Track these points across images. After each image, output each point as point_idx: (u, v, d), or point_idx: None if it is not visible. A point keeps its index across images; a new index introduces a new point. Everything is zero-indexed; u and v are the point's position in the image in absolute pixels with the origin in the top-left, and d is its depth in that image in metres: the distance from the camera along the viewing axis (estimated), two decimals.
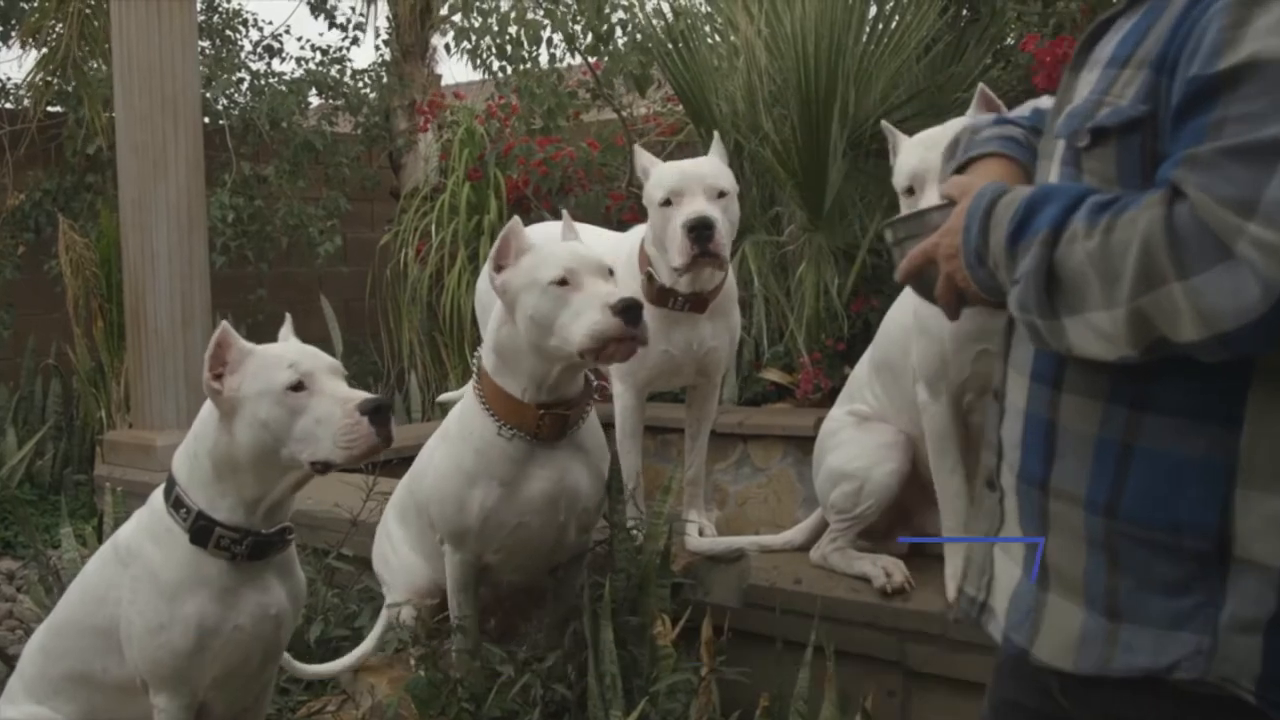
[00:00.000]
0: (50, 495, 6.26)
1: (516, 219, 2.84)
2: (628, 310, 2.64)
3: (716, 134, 3.50)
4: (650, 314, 3.31)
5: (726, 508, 5.17)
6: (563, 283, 2.70)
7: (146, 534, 2.57)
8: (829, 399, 4.73)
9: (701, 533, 3.51)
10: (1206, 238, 1.21)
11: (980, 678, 2.77)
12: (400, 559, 3.30)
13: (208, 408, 2.53)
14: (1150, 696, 1.39)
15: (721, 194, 3.24)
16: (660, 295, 3.35)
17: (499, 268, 2.81)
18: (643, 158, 3.45)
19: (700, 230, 3.14)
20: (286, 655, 3.16)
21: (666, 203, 3.24)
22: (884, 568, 2.97)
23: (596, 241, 3.58)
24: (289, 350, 2.50)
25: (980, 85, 2.77)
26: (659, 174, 3.31)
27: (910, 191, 2.61)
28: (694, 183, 3.23)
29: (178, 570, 2.50)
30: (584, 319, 2.66)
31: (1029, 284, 1.37)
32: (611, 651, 2.79)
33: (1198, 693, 1.36)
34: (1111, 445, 1.40)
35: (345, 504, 3.83)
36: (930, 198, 2.50)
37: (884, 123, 2.82)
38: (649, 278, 3.35)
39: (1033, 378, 1.51)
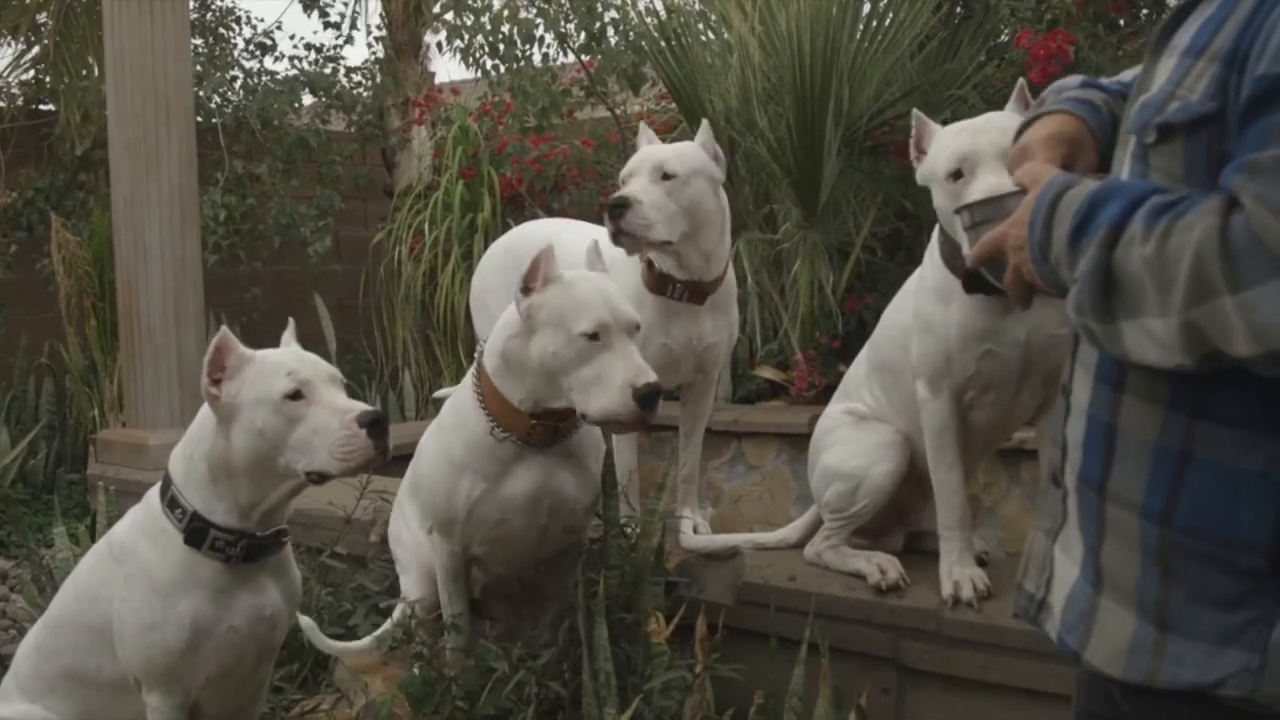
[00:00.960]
0: (43, 494, 6.25)
1: (551, 246, 2.77)
2: (647, 399, 2.60)
3: (705, 121, 3.49)
4: (650, 306, 3.31)
5: (721, 505, 5.16)
6: (594, 337, 2.64)
7: (141, 532, 2.56)
8: (823, 396, 4.73)
9: (696, 530, 3.50)
10: (1261, 251, 1.16)
11: (974, 674, 2.78)
12: (412, 535, 3.29)
13: (205, 411, 2.52)
14: (1198, 710, 1.36)
15: (666, 175, 3.23)
16: (659, 283, 3.35)
17: (526, 289, 2.74)
18: (642, 136, 3.48)
19: (612, 209, 3.17)
20: (312, 625, 3.21)
21: (622, 183, 3.31)
22: (878, 565, 2.97)
23: (587, 240, 3.58)
24: (288, 358, 2.50)
25: (1020, 81, 2.76)
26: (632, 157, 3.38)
27: (958, 175, 2.58)
28: (643, 164, 3.27)
29: (172, 570, 2.49)
30: (602, 390, 2.62)
31: (1085, 286, 1.32)
32: (606, 649, 2.78)
33: (1245, 710, 1.32)
34: (1169, 453, 1.36)
35: (339, 502, 3.82)
36: (982, 180, 2.50)
37: (915, 111, 2.80)
38: (649, 265, 3.36)
39: (1097, 377, 1.47)
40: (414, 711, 2.89)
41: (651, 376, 2.63)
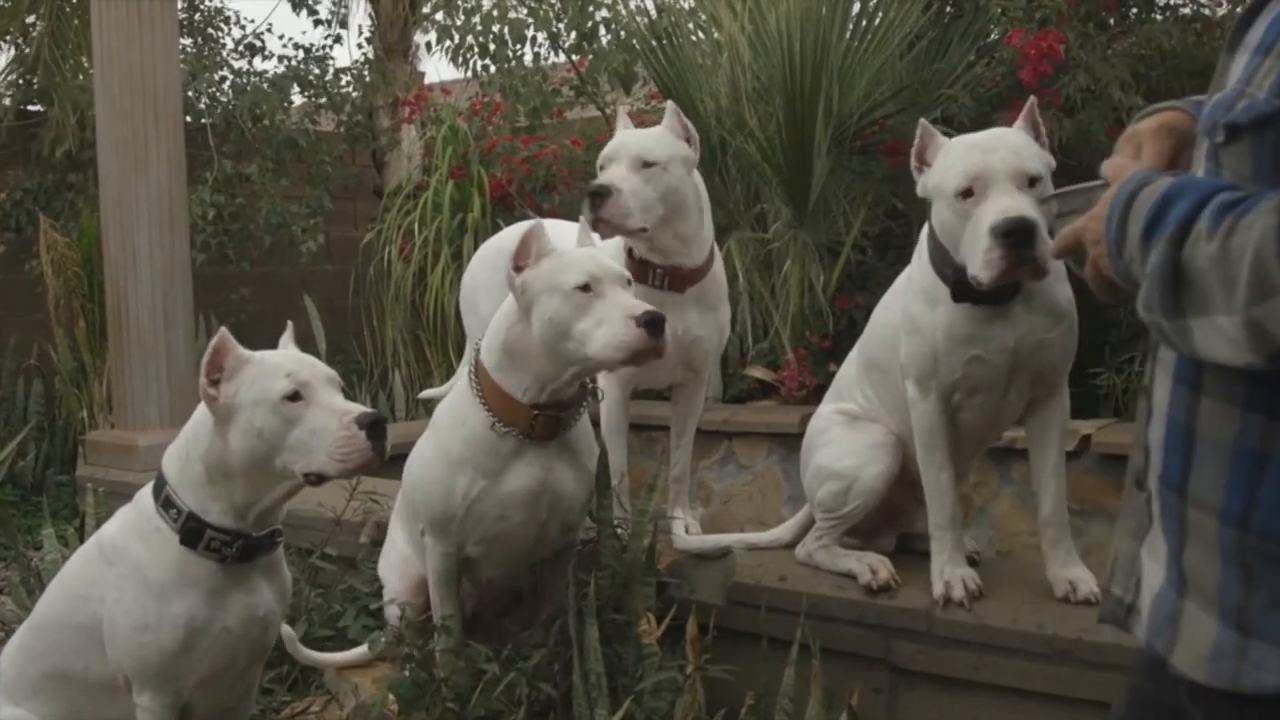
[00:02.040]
0: (32, 496, 6.23)
1: (539, 221, 2.84)
2: (651, 323, 2.65)
3: (670, 103, 3.50)
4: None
5: (711, 505, 5.16)
6: (585, 289, 2.69)
7: (134, 532, 2.55)
8: (814, 396, 4.73)
9: (688, 530, 3.50)
10: None
11: (965, 674, 2.78)
12: (397, 553, 3.30)
13: (202, 411, 2.52)
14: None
15: (646, 163, 3.26)
16: (639, 270, 3.35)
17: (518, 268, 2.79)
18: (620, 122, 3.52)
19: (593, 197, 3.20)
20: (292, 635, 3.21)
21: (599, 170, 3.34)
22: (869, 565, 2.96)
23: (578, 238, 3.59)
24: (287, 359, 2.50)
25: (1030, 99, 2.75)
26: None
27: (968, 193, 2.54)
28: (621, 151, 3.30)
29: (166, 570, 2.49)
30: (606, 329, 2.66)
31: (1154, 283, 1.32)
32: (596, 650, 2.78)
33: None
34: (1247, 455, 1.34)
35: (329, 504, 3.81)
36: (995, 201, 2.48)
37: (922, 122, 2.77)
38: (629, 253, 3.37)
39: (1175, 379, 1.45)
40: (404, 713, 2.88)
41: (648, 306, 2.69)
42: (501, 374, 2.85)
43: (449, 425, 2.96)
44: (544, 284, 2.74)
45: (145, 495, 2.59)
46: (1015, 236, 2.41)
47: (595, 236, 3.14)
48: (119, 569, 2.53)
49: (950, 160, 2.62)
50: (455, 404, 2.98)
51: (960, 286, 2.65)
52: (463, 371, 3.03)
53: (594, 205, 3.19)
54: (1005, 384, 2.77)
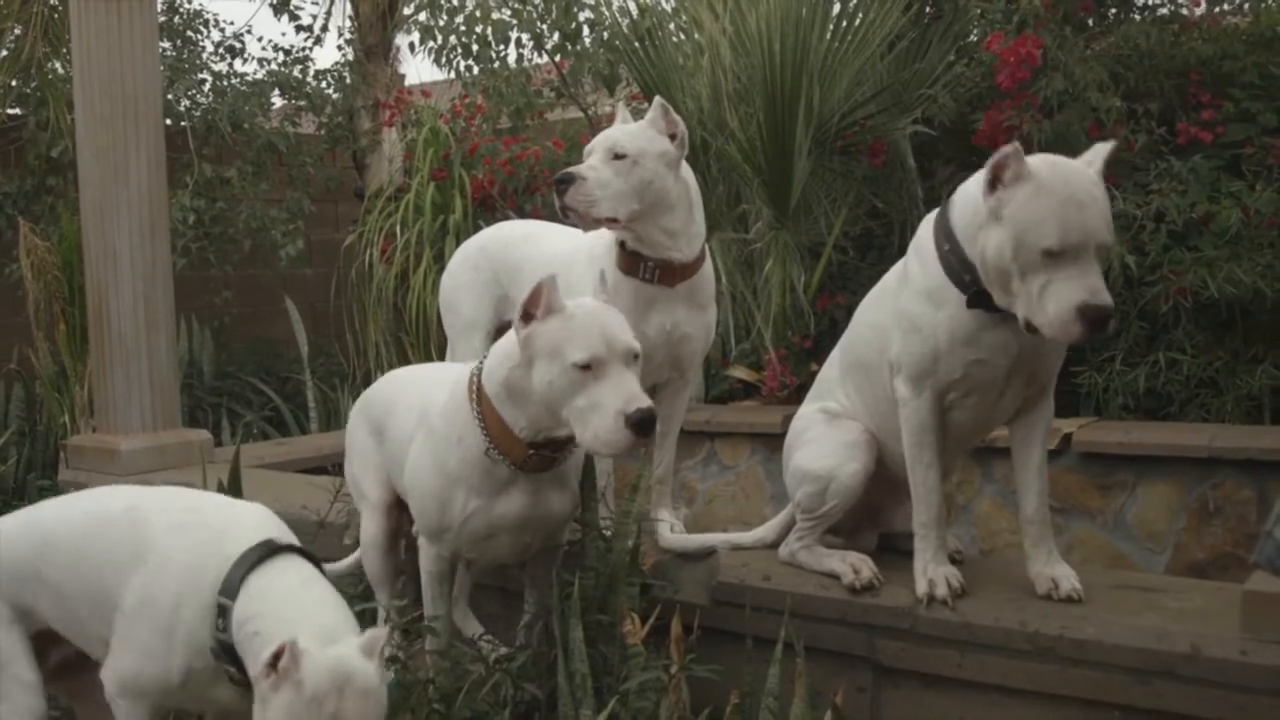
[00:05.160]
0: (14, 501, 6.19)
1: (553, 276, 2.78)
2: (641, 423, 2.63)
3: (657, 99, 3.49)
4: (626, 293, 3.33)
5: (695, 505, 5.17)
6: (586, 368, 2.67)
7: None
8: (796, 396, 4.74)
9: (672, 531, 3.50)
10: None
11: (949, 672, 2.79)
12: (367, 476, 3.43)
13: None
14: None
15: (617, 155, 3.26)
16: (630, 262, 3.36)
17: (527, 316, 2.75)
18: (617, 117, 3.50)
19: (558, 183, 3.25)
20: None
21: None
22: (852, 564, 2.97)
23: (562, 241, 3.60)
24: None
25: (1111, 143, 2.68)
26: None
27: (1051, 254, 2.49)
28: (598, 144, 3.32)
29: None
30: (596, 420, 2.66)
31: None
32: (581, 650, 2.78)
33: None
34: None
35: (312, 506, 3.81)
36: (1081, 278, 2.46)
37: (1016, 145, 2.61)
38: (621, 245, 3.36)
39: None
40: (390, 715, 2.87)
41: (644, 401, 2.66)
42: (503, 407, 2.85)
43: (445, 438, 2.95)
44: (546, 347, 2.71)
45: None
46: (1100, 324, 2.45)
47: (549, 229, 3.15)
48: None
49: (1044, 207, 2.49)
50: (452, 417, 2.96)
51: (978, 296, 2.66)
52: (460, 382, 2.99)
53: (560, 191, 3.23)
54: (1003, 385, 2.77)
